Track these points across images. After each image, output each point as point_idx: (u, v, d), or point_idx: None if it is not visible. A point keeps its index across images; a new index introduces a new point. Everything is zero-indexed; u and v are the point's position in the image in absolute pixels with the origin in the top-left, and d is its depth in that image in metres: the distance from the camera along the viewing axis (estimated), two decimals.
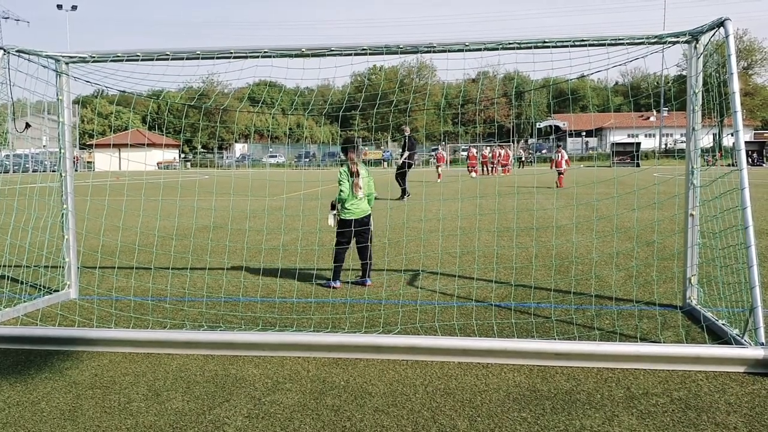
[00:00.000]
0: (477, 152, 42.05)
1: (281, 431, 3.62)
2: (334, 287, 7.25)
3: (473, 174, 38.62)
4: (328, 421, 3.75)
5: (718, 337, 5.09)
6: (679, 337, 5.23)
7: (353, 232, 7.23)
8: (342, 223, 7.31)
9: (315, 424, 3.71)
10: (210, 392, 4.20)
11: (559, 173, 27.09)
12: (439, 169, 36.22)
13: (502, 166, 43.09)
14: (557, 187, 26.35)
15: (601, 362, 4.60)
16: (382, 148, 73.85)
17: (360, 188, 7.28)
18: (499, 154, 43.23)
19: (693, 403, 3.95)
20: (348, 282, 7.47)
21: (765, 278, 7.29)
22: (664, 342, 5.08)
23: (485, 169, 42.45)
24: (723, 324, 5.17)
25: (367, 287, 7.29)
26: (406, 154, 20.33)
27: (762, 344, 4.49)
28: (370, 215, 7.44)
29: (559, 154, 27.69)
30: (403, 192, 20.06)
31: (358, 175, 7.28)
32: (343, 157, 7.51)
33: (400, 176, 20.43)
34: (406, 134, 20.57)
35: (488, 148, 44.24)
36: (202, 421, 3.76)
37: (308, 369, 4.62)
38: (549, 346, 4.69)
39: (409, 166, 20.67)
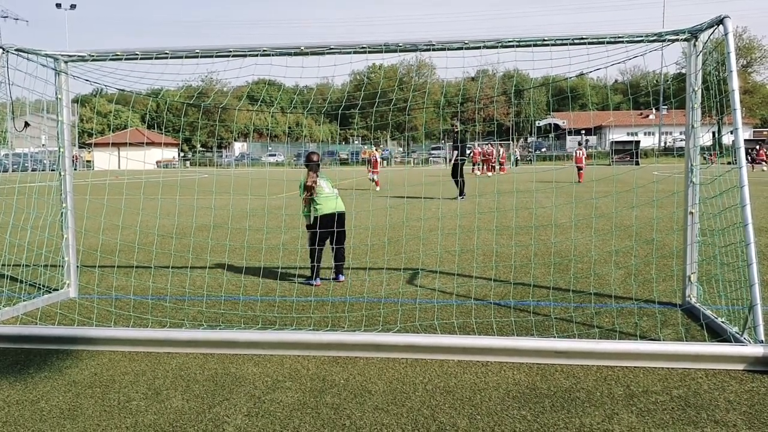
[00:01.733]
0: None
1: (281, 429, 3.62)
2: (316, 285, 7.28)
3: (477, 172, 38.72)
4: (327, 419, 3.75)
5: (717, 334, 5.09)
6: (679, 335, 5.23)
7: (329, 230, 7.28)
8: (315, 221, 7.36)
9: (315, 422, 3.71)
10: (210, 391, 4.20)
11: (579, 169, 29.24)
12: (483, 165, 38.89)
13: (499, 165, 43.14)
14: (578, 182, 28.16)
15: (601, 360, 4.60)
16: (381, 146, 73.80)
17: (315, 190, 7.42)
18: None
19: (692, 400, 3.96)
20: (327, 278, 7.51)
21: (764, 276, 7.30)
22: (663, 340, 5.09)
23: (482, 167, 42.39)
24: (722, 322, 5.18)
25: (366, 286, 7.29)
26: (456, 152, 20.14)
27: (761, 342, 4.49)
28: (344, 213, 7.48)
29: (580, 152, 30.07)
30: (461, 191, 20.02)
31: (311, 189, 7.43)
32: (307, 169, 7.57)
33: (457, 174, 20.20)
34: (457, 130, 20.52)
35: (488, 145, 44.18)
36: (202, 419, 3.77)
37: (308, 367, 4.62)
38: (548, 345, 4.69)
39: (462, 162, 20.48)
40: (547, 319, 5.80)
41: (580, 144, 32.23)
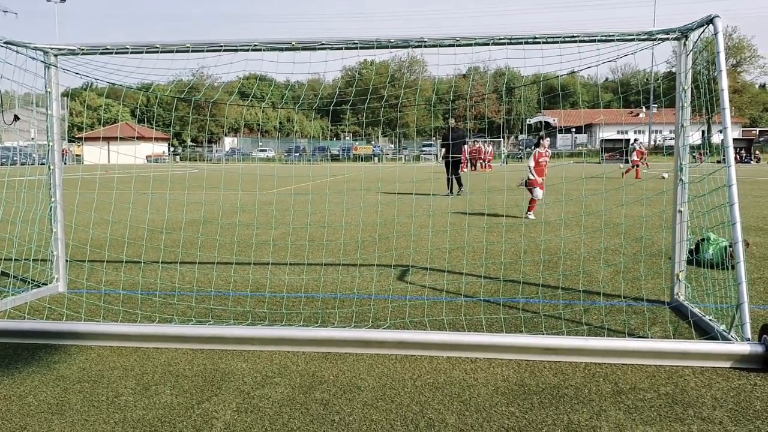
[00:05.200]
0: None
1: (270, 425, 3.62)
2: None
3: (465, 170, 38.83)
4: (316, 415, 3.75)
5: (705, 332, 5.12)
6: (667, 333, 5.26)
7: None
8: None
9: (304, 418, 3.71)
10: (199, 386, 4.20)
11: (635, 167, 29.75)
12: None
13: (486, 162, 43.25)
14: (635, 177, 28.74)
15: (589, 357, 4.62)
16: (372, 143, 73.78)
17: None
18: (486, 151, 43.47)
19: (680, 398, 3.99)
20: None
21: (751, 274, 7.35)
22: (651, 337, 5.12)
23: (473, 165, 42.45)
24: (710, 320, 5.21)
25: (356, 283, 7.29)
26: (462, 149, 20.32)
27: (748, 340, 4.53)
28: None
29: (636, 151, 30.13)
30: (459, 185, 20.24)
31: None
32: None
33: (451, 171, 20.38)
34: (450, 126, 20.66)
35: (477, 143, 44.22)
36: (191, 415, 3.76)
37: (297, 363, 4.62)
38: (537, 341, 4.71)
39: (452, 159, 20.53)
40: (536, 316, 5.82)
41: (636, 140, 32.73)
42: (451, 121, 21.38)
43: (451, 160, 20.12)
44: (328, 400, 3.96)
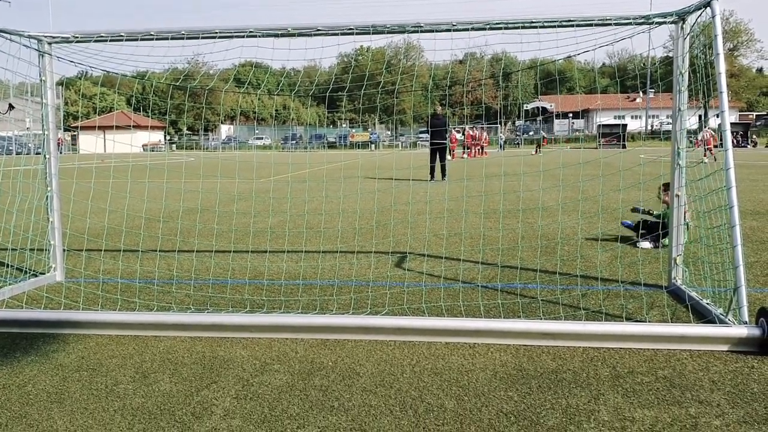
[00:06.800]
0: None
1: (269, 412, 3.63)
2: None
3: (449, 157, 38.86)
4: (316, 401, 3.76)
5: (702, 316, 5.14)
6: (665, 317, 5.28)
7: None
8: None
9: (303, 404, 3.72)
10: (198, 374, 4.20)
11: (709, 150, 28.52)
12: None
13: (480, 148, 43.23)
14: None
15: (587, 342, 4.63)
16: (369, 130, 73.54)
17: None
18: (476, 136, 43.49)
19: (677, 381, 4.00)
20: None
21: (749, 258, 7.37)
22: (649, 321, 5.13)
23: (472, 150, 42.43)
24: (707, 303, 5.23)
25: (354, 270, 7.29)
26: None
27: (745, 323, 4.54)
28: None
29: (708, 133, 28.95)
30: (442, 171, 20.42)
31: None
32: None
33: (437, 158, 20.59)
34: (436, 112, 20.89)
35: (473, 129, 44.17)
36: (190, 402, 3.77)
37: (296, 350, 4.63)
38: (535, 326, 4.72)
39: (435, 146, 20.66)
40: (533, 301, 5.83)
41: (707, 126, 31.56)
42: (437, 108, 21.50)
43: (435, 146, 20.27)
44: (327, 387, 3.97)
